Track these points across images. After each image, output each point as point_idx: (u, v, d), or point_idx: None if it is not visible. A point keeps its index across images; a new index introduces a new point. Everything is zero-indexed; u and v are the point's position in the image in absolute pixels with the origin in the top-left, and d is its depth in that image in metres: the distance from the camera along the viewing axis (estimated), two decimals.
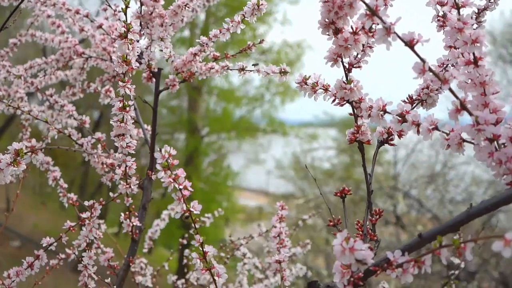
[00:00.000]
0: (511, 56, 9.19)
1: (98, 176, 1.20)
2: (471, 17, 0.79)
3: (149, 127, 1.23)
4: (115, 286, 1.06)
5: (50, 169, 1.19)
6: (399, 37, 0.55)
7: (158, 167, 0.67)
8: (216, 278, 0.70)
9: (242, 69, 1.01)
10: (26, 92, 1.34)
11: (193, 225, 0.71)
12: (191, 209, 0.69)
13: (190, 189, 0.68)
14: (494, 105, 0.58)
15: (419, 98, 0.76)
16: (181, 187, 0.68)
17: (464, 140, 0.60)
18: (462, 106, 0.57)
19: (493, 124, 0.56)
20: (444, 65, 0.78)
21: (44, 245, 0.97)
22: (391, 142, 0.74)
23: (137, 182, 0.99)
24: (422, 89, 0.76)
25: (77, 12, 1.14)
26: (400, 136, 0.74)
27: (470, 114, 0.56)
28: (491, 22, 10.19)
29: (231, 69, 1.03)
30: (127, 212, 1.04)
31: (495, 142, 0.56)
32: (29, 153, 0.74)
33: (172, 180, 0.67)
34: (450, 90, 0.55)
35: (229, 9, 9.94)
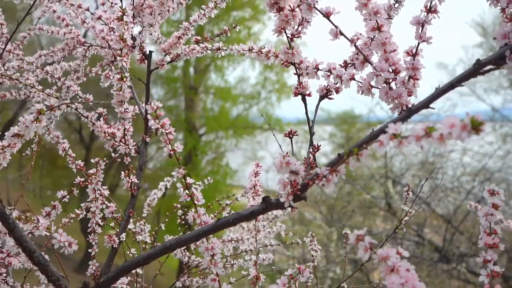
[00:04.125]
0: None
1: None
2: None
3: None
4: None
5: (60, 142, 1.39)
6: (318, 10, 0.77)
7: (149, 117, 0.88)
8: (196, 202, 0.92)
9: (218, 49, 1.23)
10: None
11: (177, 162, 0.92)
12: (175, 148, 0.90)
13: (173, 133, 0.90)
14: (393, 60, 0.80)
15: (352, 62, 0.97)
16: (167, 131, 0.89)
17: (372, 86, 0.81)
18: (365, 59, 0.78)
19: (388, 72, 0.77)
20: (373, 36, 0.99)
21: (59, 196, 1.19)
22: (330, 96, 0.95)
23: (134, 144, 1.20)
24: (354, 54, 0.97)
25: (79, 6, 1.35)
26: (337, 92, 0.95)
27: (371, 64, 0.77)
28: (481, 14, 10.35)
29: (209, 49, 1.25)
30: (126, 171, 1.25)
31: (390, 85, 0.77)
32: (49, 111, 0.95)
33: (160, 126, 0.89)
34: (355, 47, 0.76)
35: (223, 9, 10.16)
